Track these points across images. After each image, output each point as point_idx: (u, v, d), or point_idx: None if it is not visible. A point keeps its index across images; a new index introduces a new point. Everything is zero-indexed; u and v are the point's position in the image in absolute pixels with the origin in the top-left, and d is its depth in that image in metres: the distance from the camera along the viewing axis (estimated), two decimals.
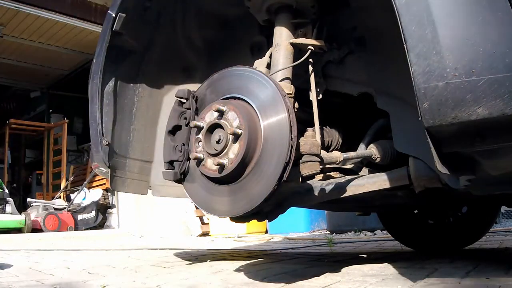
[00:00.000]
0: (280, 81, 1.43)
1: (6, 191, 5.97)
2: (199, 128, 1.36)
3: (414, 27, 0.92)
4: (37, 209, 5.99)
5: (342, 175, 1.51)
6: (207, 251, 2.91)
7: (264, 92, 1.29)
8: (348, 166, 1.55)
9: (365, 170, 1.60)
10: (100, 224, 6.46)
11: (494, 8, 0.87)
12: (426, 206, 2.31)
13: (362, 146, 1.46)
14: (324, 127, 1.56)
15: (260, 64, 1.52)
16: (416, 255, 2.15)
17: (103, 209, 6.54)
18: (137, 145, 1.84)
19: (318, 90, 1.51)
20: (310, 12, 1.49)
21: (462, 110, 0.89)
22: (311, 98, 1.46)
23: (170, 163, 1.45)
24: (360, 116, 1.68)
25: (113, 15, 1.61)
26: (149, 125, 1.87)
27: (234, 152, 1.26)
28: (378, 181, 1.38)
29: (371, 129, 1.51)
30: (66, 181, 7.81)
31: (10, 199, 5.92)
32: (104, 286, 1.44)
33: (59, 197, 7.12)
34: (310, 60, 1.47)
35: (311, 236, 4.27)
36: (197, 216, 5.20)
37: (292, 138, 1.20)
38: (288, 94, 1.37)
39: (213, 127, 1.33)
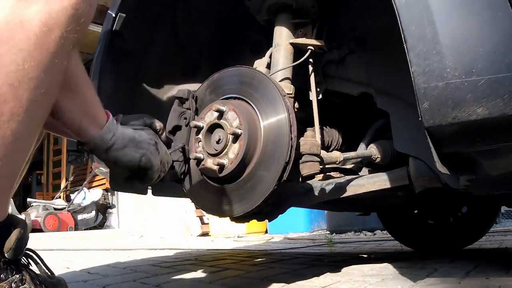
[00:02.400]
0: (280, 81, 1.43)
1: None
2: (199, 128, 1.36)
3: (414, 27, 0.92)
4: (37, 209, 6.00)
5: (342, 175, 1.51)
6: (207, 251, 2.91)
7: (264, 92, 1.29)
8: (348, 166, 1.55)
9: (365, 170, 1.60)
10: (100, 224, 6.47)
11: (494, 8, 0.87)
12: (426, 206, 2.31)
13: (362, 146, 1.46)
14: (324, 127, 1.56)
15: (260, 64, 1.52)
16: (416, 255, 2.15)
17: (103, 209, 6.55)
18: None
19: (318, 90, 1.51)
20: (310, 12, 1.49)
21: (462, 110, 0.89)
22: (311, 98, 1.46)
23: None
24: (360, 116, 1.68)
25: (113, 15, 1.61)
26: None
27: (234, 152, 1.26)
28: (378, 181, 1.38)
29: (371, 129, 1.51)
30: (66, 181, 7.82)
31: (10, 199, 5.91)
32: (104, 286, 1.44)
33: (59, 197, 7.12)
34: (310, 60, 1.47)
35: (311, 236, 4.27)
36: (197, 216, 5.20)
37: (292, 138, 1.20)
38: (288, 94, 1.37)
39: (213, 127, 1.33)
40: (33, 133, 0.73)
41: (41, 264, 0.82)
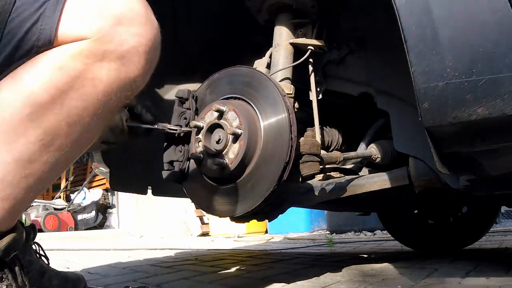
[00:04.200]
0: (280, 81, 1.43)
1: None
2: (199, 128, 1.36)
3: (414, 27, 0.92)
4: (37, 209, 6.00)
5: (342, 175, 1.51)
6: (207, 251, 2.91)
7: (264, 92, 1.29)
8: (348, 166, 1.55)
9: (365, 170, 1.59)
10: (100, 224, 6.47)
11: (494, 8, 0.87)
12: (426, 206, 2.31)
13: (362, 146, 1.46)
14: (324, 127, 1.56)
15: (260, 64, 1.52)
16: (416, 255, 2.15)
17: (103, 209, 6.55)
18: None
19: (318, 90, 1.51)
20: (310, 12, 1.48)
21: (462, 110, 0.89)
22: (311, 98, 1.46)
23: (170, 163, 1.45)
24: (360, 116, 1.68)
25: None
26: None
27: (234, 152, 1.26)
28: (378, 181, 1.38)
29: (371, 129, 1.51)
30: (66, 181, 7.81)
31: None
32: (104, 286, 1.45)
33: (59, 197, 7.12)
34: (310, 60, 1.47)
35: (311, 236, 4.27)
36: (197, 216, 5.21)
37: (292, 138, 1.20)
38: (288, 94, 1.37)
39: (213, 127, 1.33)
40: (65, 166, 0.86)
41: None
